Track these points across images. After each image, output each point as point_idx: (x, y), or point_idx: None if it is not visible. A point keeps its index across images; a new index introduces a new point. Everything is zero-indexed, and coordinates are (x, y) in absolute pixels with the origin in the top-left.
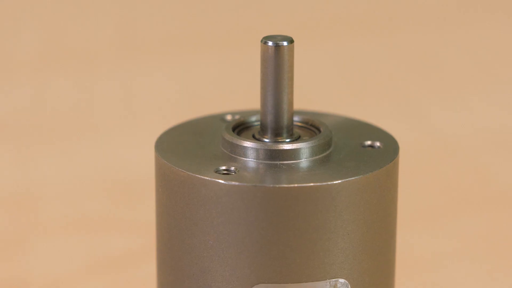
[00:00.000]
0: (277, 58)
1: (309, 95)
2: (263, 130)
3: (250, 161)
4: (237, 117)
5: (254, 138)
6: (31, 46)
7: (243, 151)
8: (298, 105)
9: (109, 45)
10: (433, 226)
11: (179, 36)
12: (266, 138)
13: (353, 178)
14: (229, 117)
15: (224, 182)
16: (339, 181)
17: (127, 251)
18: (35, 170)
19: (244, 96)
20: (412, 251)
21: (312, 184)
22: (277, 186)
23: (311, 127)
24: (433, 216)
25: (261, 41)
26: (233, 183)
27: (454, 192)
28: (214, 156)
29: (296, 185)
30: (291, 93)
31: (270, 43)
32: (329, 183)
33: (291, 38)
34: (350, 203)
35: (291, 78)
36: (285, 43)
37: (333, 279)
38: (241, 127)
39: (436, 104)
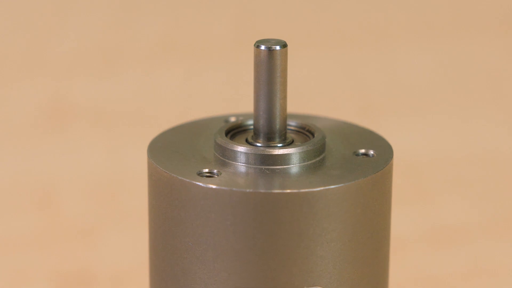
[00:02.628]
0: (269, 62)
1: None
2: (256, 134)
3: (240, 165)
4: (234, 119)
5: (247, 142)
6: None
7: (232, 155)
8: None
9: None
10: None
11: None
12: (259, 143)
13: (333, 186)
14: (233, 119)
15: (202, 185)
16: (319, 189)
17: None
18: (124, 159)
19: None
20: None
21: (289, 190)
22: (253, 191)
23: (307, 132)
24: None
25: (254, 44)
26: (210, 186)
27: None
28: (204, 158)
29: (273, 191)
30: (284, 97)
31: (262, 47)
32: (307, 190)
33: (285, 42)
34: (330, 211)
35: (283, 83)
36: (277, 47)
37: (311, 287)
38: (237, 130)
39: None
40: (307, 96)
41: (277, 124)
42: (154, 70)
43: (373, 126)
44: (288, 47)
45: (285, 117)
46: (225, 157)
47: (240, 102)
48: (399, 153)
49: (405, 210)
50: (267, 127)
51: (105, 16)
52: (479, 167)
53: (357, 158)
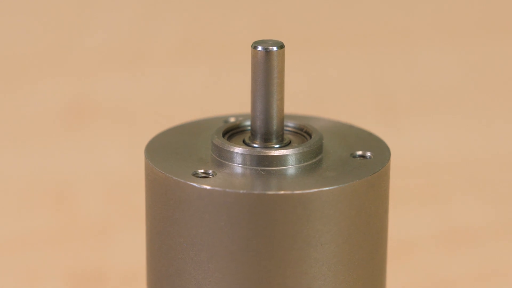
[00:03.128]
0: (266, 63)
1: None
2: (253, 135)
3: (237, 166)
4: (234, 119)
5: (244, 143)
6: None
7: (229, 155)
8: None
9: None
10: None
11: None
12: (256, 143)
13: (327, 188)
14: (232, 120)
15: (196, 186)
16: (312, 191)
17: None
18: (143, 158)
19: None
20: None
21: (282, 192)
22: (247, 192)
23: (305, 133)
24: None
25: (252, 45)
26: (204, 186)
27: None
28: (200, 159)
29: (266, 192)
30: (281, 98)
31: (259, 48)
32: (300, 192)
33: (282, 43)
34: (325, 213)
35: (280, 84)
36: (274, 48)
37: None
38: (235, 131)
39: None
40: (328, 95)
41: (274, 125)
42: (177, 69)
43: (393, 126)
44: (312, 46)
45: (282, 118)
46: (221, 158)
47: None
48: (418, 154)
49: (422, 211)
50: (264, 128)
51: (129, 14)
52: (498, 169)
53: (354, 160)
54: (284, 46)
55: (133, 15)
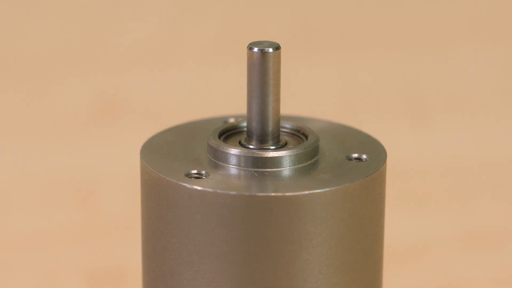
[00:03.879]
0: (262, 64)
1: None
2: (249, 136)
3: (232, 167)
4: (233, 120)
5: (240, 144)
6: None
7: (224, 157)
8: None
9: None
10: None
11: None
12: (252, 145)
13: (318, 190)
14: (232, 120)
15: (188, 186)
16: (304, 193)
17: None
18: None
19: None
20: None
21: (273, 194)
22: (237, 193)
23: (301, 135)
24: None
25: (247, 47)
26: (195, 187)
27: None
28: (195, 160)
29: (257, 194)
30: (276, 100)
31: (255, 49)
32: (291, 194)
33: (278, 44)
34: (316, 216)
35: (276, 85)
36: (270, 50)
37: None
38: (233, 132)
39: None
40: (359, 96)
41: (270, 127)
42: (207, 67)
43: (424, 128)
44: (343, 47)
45: (278, 120)
46: (216, 159)
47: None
48: (445, 155)
49: (444, 214)
50: (259, 129)
51: (160, 13)
52: None
53: (349, 163)
54: (280, 48)
55: (164, 14)
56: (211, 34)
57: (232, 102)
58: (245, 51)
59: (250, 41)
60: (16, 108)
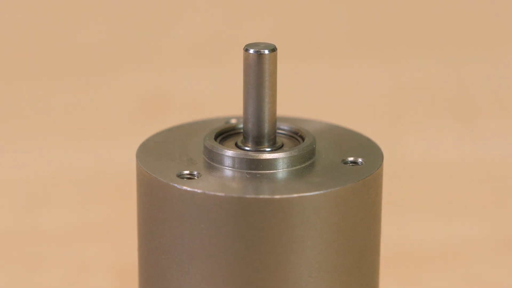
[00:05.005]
0: (258, 66)
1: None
2: (245, 138)
3: (226, 169)
4: (235, 121)
5: (236, 146)
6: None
7: (218, 158)
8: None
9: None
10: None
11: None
12: (248, 146)
13: (308, 194)
14: (233, 121)
15: (177, 187)
16: (293, 196)
17: None
18: None
19: None
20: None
21: (261, 196)
22: (225, 195)
23: (299, 137)
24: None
25: (243, 48)
26: (185, 188)
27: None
28: (190, 160)
29: (245, 196)
30: (272, 102)
31: (251, 51)
32: (280, 196)
33: (274, 46)
34: (305, 219)
35: (272, 87)
36: (266, 51)
37: None
38: (230, 133)
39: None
40: (408, 97)
41: (265, 128)
42: None
43: (471, 130)
44: (393, 48)
45: (274, 122)
46: (211, 160)
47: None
48: (488, 159)
49: (479, 216)
50: (255, 131)
51: (209, 11)
52: None
53: (344, 166)
54: (276, 49)
55: (214, 11)
56: (260, 32)
57: (288, 99)
58: (295, 49)
59: (298, 40)
60: (67, 103)
